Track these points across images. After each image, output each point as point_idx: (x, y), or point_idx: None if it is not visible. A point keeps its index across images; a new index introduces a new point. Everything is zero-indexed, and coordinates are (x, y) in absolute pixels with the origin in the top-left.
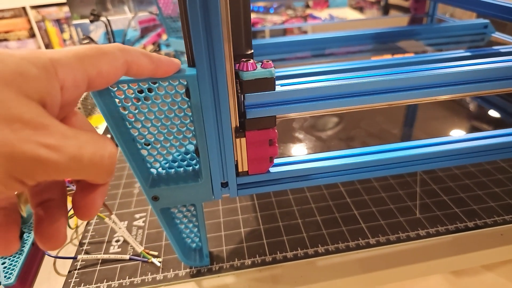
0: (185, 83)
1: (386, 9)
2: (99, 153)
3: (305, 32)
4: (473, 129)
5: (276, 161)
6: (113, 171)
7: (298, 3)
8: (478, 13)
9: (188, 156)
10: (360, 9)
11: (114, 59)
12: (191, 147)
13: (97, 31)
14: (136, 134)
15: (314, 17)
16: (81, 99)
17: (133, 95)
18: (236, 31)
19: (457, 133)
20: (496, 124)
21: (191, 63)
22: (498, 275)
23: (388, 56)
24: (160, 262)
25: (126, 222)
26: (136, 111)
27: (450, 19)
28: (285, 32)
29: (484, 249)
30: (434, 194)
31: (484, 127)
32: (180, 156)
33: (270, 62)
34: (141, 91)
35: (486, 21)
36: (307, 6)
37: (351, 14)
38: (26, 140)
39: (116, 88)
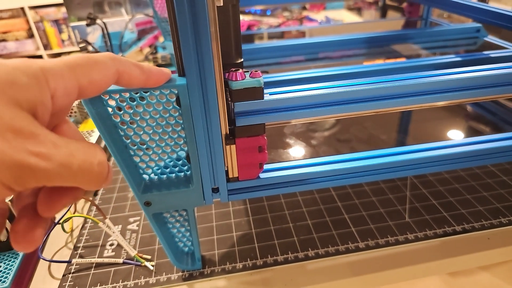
0: (176, 92)
1: (384, 10)
2: (88, 161)
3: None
4: (464, 134)
5: (266, 166)
6: (105, 178)
7: (295, 5)
8: (471, 18)
9: (180, 162)
10: (358, 10)
11: (105, 68)
12: (183, 154)
13: (95, 33)
14: (129, 141)
15: (311, 19)
16: (77, 103)
17: (125, 104)
18: (226, 41)
19: (448, 138)
20: (487, 128)
21: (181, 73)
22: (494, 275)
23: (381, 61)
24: (153, 266)
25: (120, 226)
26: (129, 119)
27: (444, 22)
28: (282, 35)
29: (471, 253)
30: (424, 198)
31: (475, 132)
32: (172, 162)
33: (259, 71)
34: (133, 100)
35: (479, 25)
36: (304, 8)
37: (348, 16)
38: (17, 148)
39: (108, 97)
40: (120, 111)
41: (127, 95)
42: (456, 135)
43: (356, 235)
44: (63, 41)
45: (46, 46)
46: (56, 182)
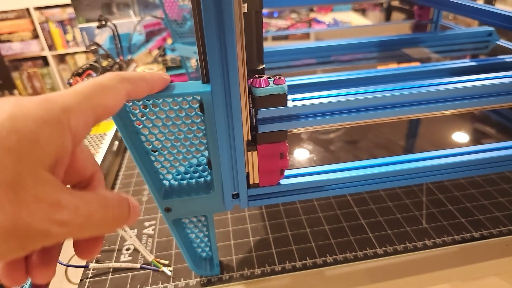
0: (199, 98)
1: (388, 12)
2: (104, 218)
3: (307, 35)
4: (480, 141)
5: (286, 172)
6: (124, 222)
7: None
8: (481, 22)
9: (200, 168)
10: (363, 11)
11: (116, 92)
12: (203, 159)
13: (103, 34)
14: (150, 147)
15: (318, 21)
16: None
17: (147, 110)
18: (249, 47)
19: (464, 144)
20: (503, 135)
21: (206, 79)
22: (504, 279)
23: (395, 65)
24: (170, 271)
25: (135, 230)
26: (150, 125)
27: (455, 25)
28: (287, 37)
29: (490, 260)
30: (440, 204)
31: (491, 138)
32: (192, 168)
33: (283, 78)
34: (155, 106)
35: (491, 28)
36: (311, 10)
37: (355, 18)
38: (40, 219)
39: (131, 103)
40: (142, 117)
41: (150, 101)
42: (473, 141)
43: (374, 241)
44: (68, 42)
45: (51, 47)
46: (70, 238)
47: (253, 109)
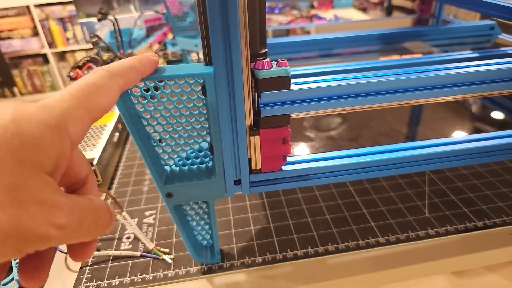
0: (201, 81)
1: (389, 10)
2: (94, 224)
3: (308, 33)
4: (480, 129)
5: (288, 159)
6: (106, 229)
7: (303, 3)
8: (484, 14)
9: (202, 153)
10: (364, 10)
11: (110, 90)
12: (205, 145)
13: (103, 29)
14: (151, 131)
15: (319, 18)
16: None
17: (149, 93)
18: (251, 30)
19: (464, 133)
20: (504, 124)
21: (208, 61)
22: (501, 276)
23: (397, 57)
24: (171, 259)
25: (136, 220)
26: (152, 108)
27: (456, 20)
28: (287, 32)
29: (493, 249)
30: (443, 194)
31: (491, 128)
32: (194, 153)
33: (286, 61)
34: (157, 89)
35: (493, 22)
36: (312, 7)
37: (356, 15)
38: (41, 222)
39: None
40: (144, 100)
41: (152, 83)
42: (475, 130)
43: (376, 230)
44: (68, 39)
45: (51, 44)
46: (64, 243)
47: (256, 93)
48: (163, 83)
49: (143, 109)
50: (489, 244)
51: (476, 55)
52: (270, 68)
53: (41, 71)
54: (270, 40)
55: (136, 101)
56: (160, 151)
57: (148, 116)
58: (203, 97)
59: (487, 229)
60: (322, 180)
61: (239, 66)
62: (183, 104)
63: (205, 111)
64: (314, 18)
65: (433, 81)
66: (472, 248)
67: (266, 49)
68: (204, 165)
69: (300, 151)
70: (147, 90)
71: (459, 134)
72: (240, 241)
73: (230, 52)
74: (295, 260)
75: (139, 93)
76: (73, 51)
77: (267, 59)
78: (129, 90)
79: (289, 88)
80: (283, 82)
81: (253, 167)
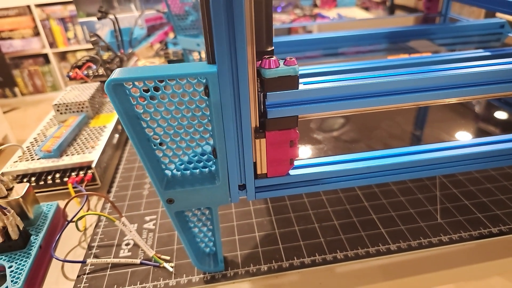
0: (204, 80)
1: (391, 9)
2: None
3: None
4: (492, 132)
5: (295, 162)
6: None
7: (306, 2)
8: (493, 10)
9: (205, 157)
10: (366, 9)
11: None
12: (208, 148)
13: (103, 29)
14: (151, 133)
15: (323, 16)
16: (88, 98)
17: (149, 93)
18: (258, 26)
19: (477, 136)
20: None
21: (211, 60)
22: (508, 279)
23: (405, 56)
24: (172, 267)
25: (136, 225)
26: (152, 109)
27: (464, 18)
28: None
29: (510, 257)
30: (455, 199)
31: (504, 130)
32: (196, 157)
33: (294, 59)
34: (157, 89)
35: (503, 20)
36: (315, 5)
37: (360, 14)
38: None
39: (131, 85)
40: (143, 101)
41: (152, 83)
42: (486, 132)
43: (386, 237)
44: (69, 39)
45: (52, 44)
46: None
47: (262, 94)
48: (163, 83)
49: (142, 110)
50: (505, 252)
51: (488, 53)
52: (277, 67)
53: (42, 71)
54: (273, 38)
55: (135, 102)
56: (161, 154)
57: (148, 118)
58: (206, 97)
59: (503, 235)
60: (332, 185)
61: (244, 65)
62: (185, 105)
63: (208, 113)
64: (317, 17)
65: (452, 80)
66: (489, 256)
67: (273, 47)
68: (207, 169)
69: (308, 154)
70: (147, 90)
71: (470, 137)
72: (244, 248)
73: (235, 50)
74: (302, 269)
75: (138, 94)
76: (74, 51)
77: (274, 58)
78: (127, 90)
79: (298, 88)
80: (291, 82)
81: (259, 172)
